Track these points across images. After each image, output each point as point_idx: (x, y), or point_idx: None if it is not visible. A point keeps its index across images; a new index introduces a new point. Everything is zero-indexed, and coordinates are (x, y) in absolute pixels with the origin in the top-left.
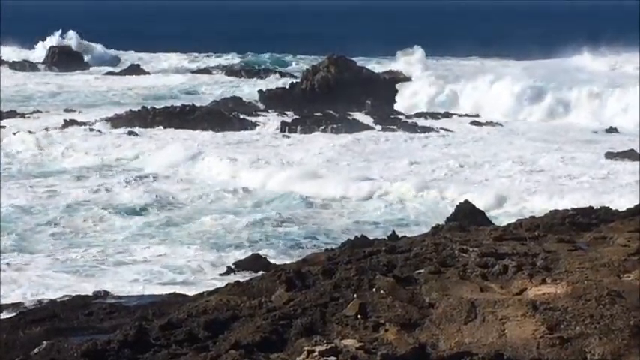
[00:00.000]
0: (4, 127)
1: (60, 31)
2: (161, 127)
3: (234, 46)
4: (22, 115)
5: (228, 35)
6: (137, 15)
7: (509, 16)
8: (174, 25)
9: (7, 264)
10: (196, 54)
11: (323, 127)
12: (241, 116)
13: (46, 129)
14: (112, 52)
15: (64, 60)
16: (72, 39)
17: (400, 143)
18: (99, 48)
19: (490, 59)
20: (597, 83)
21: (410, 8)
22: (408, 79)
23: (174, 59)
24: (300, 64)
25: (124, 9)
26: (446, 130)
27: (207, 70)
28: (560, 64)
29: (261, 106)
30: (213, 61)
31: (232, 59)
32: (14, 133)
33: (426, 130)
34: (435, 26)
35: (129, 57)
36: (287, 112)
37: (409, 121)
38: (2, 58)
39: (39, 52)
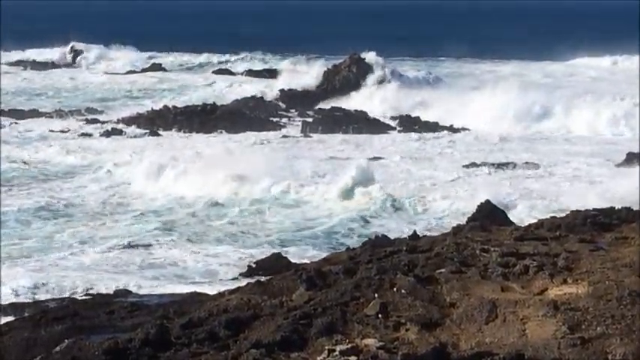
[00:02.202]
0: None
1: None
2: (186, 131)
3: (254, 46)
4: (44, 115)
5: (247, 36)
6: (154, 15)
7: (515, 16)
8: (191, 26)
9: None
10: (216, 54)
11: (344, 128)
12: (263, 116)
13: (68, 129)
14: (133, 51)
15: (85, 59)
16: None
17: (428, 145)
18: (119, 47)
19: (498, 62)
20: (604, 86)
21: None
22: None
23: (193, 59)
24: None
25: (137, 8)
26: (467, 130)
27: (227, 70)
28: (566, 66)
29: (282, 105)
30: (233, 60)
31: (252, 59)
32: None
33: (451, 130)
34: (437, 28)
35: (149, 56)
36: (308, 112)
37: (430, 120)
38: (23, 59)
39: (59, 53)
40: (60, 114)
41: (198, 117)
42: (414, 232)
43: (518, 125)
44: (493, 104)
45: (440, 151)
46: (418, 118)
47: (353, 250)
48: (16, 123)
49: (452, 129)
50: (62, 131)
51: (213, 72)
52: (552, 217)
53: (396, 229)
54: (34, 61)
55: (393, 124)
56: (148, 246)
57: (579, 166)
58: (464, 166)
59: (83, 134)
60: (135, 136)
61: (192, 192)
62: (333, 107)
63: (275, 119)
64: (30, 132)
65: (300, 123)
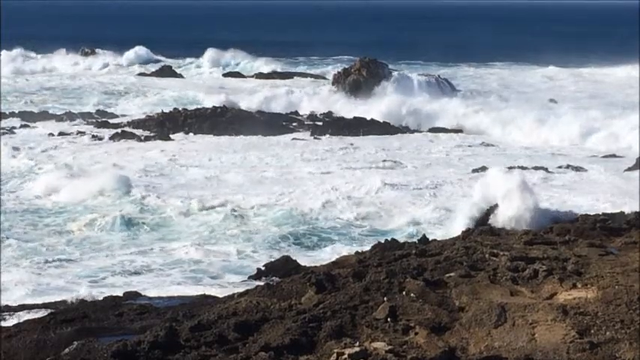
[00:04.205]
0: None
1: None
2: (199, 134)
3: (266, 49)
4: (55, 117)
5: (258, 39)
6: (166, 18)
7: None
8: (202, 29)
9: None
10: (226, 57)
11: (354, 131)
12: (272, 119)
13: (79, 132)
14: (144, 54)
15: (97, 61)
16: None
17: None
18: (131, 50)
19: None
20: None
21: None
22: None
23: (204, 62)
24: (331, 67)
25: (148, 12)
26: (480, 135)
27: (237, 73)
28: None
29: (292, 108)
30: (244, 64)
31: (264, 62)
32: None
33: (463, 134)
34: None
35: (161, 59)
36: (318, 115)
37: (442, 125)
38: (34, 61)
39: (71, 55)
40: (70, 116)
41: (209, 120)
42: (424, 235)
43: (535, 134)
44: (508, 110)
45: (449, 154)
46: (429, 121)
47: (362, 254)
48: (26, 125)
49: (464, 133)
50: (72, 133)
51: (224, 75)
52: (561, 222)
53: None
54: (46, 63)
55: (403, 127)
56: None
57: (589, 170)
58: (473, 170)
59: (93, 136)
60: (145, 139)
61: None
62: (342, 110)
63: (285, 122)
64: (43, 135)
65: (310, 126)
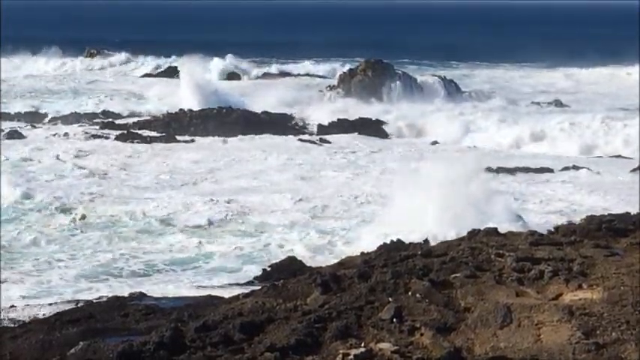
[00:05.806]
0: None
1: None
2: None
3: (271, 49)
4: (61, 119)
5: (263, 39)
6: (170, 20)
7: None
8: (206, 30)
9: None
10: (229, 59)
11: (359, 130)
12: (279, 119)
13: (85, 133)
14: (149, 55)
15: (102, 63)
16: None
17: None
18: (134, 51)
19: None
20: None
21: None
22: None
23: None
24: (336, 67)
25: (155, 12)
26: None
27: (241, 75)
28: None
29: (297, 108)
30: (246, 65)
31: (266, 64)
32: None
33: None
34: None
35: (165, 60)
36: (324, 116)
37: (446, 126)
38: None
39: (75, 56)
40: (76, 117)
41: (214, 120)
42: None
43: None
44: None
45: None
46: (434, 123)
47: (368, 254)
48: (32, 126)
49: (469, 135)
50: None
51: (228, 75)
52: (568, 223)
53: None
54: (50, 63)
55: (406, 128)
56: None
57: (594, 171)
58: None
59: (96, 136)
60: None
61: None
62: (348, 111)
63: (290, 123)
64: (48, 137)
65: (315, 126)
